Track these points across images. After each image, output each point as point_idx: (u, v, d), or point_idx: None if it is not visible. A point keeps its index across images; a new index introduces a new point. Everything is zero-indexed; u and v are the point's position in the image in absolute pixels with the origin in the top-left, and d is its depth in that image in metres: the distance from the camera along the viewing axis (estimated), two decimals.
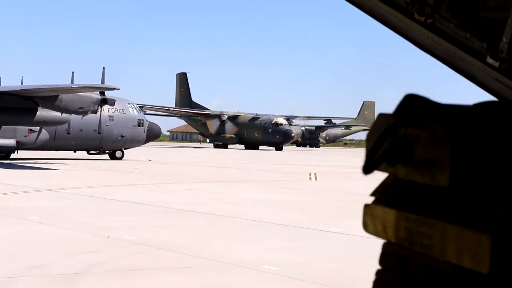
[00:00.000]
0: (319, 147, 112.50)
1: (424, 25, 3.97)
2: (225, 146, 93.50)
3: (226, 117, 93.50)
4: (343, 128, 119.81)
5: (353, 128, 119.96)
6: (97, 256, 9.41)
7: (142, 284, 7.83)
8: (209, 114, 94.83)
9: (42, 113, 35.00)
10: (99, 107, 35.65)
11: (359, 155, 63.17)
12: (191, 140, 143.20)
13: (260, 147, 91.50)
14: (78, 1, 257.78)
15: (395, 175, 2.35)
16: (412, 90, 2.30)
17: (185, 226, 12.91)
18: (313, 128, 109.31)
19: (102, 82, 35.56)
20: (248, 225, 13.42)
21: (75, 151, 42.47)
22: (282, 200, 19.01)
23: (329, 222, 14.03)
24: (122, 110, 42.45)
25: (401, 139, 2.26)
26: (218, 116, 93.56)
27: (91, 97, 34.89)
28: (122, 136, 42.09)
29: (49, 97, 33.81)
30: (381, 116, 2.37)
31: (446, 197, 2.19)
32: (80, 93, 34.27)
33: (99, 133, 38.63)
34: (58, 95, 33.78)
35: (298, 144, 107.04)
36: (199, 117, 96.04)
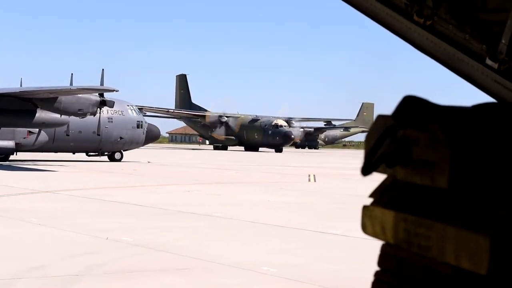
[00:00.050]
0: (318, 148, 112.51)
1: (423, 27, 3.97)
2: (224, 148, 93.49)
3: (226, 119, 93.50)
4: (342, 130, 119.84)
5: (352, 130, 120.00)
6: (96, 258, 9.41)
7: (141, 285, 7.83)
8: (209, 116, 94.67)
9: (41, 115, 35.00)
10: (98, 109, 35.66)
11: (358, 157, 63.23)
12: (190, 142, 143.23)
13: (260, 149, 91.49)
14: (78, 2, 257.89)
15: (394, 177, 2.35)
16: (411, 91, 2.30)
17: (184, 228, 12.91)
18: (312, 129, 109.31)
19: (101, 84, 35.58)
20: (246, 227, 13.42)
21: (74, 153, 42.47)
22: (281, 201, 19.01)
23: (328, 224, 14.03)
24: (121, 112, 42.47)
25: (400, 140, 2.26)
26: (218, 119, 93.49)
27: (90, 99, 34.91)
28: (121, 138, 42.10)
29: (48, 99, 33.82)
30: (380, 117, 2.37)
31: (445, 199, 2.19)
32: (79, 95, 34.28)
33: (98, 134, 38.63)
34: (57, 97, 33.79)
35: (297, 146, 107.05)
36: (199, 119, 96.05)
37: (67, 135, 38.02)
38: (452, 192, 2.17)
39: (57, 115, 35.32)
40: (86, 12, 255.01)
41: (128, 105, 43.66)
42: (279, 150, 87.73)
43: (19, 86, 39.87)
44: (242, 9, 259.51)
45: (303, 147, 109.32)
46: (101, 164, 38.23)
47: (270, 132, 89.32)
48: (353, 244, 11.17)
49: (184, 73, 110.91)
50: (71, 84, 35.75)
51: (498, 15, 3.77)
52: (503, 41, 3.71)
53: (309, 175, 32.72)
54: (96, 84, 35.25)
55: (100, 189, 21.32)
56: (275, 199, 19.67)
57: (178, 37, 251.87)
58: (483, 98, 4.15)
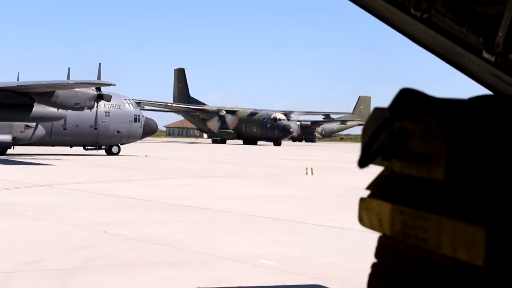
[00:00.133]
0: (314, 142, 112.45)
1: (420, 20, 3.97)
2: (223, 141, 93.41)
3: (225, 112, 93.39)
4: (339, 123, 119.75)
5: (349, 123, 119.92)
6: (93, 251, 9.41)
7: (138, 279, 7.83)
8: (207, 110, 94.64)
9: (38, 109, 34.95)
10: (95, 102, 35.63)
11: (355, 150, 63.15)
12: (188, 136, 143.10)
13: (259, 142, 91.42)
14: None
15: (390, 169, 2.35)
16: (408, 84, 2.30)
17: (182, 221, 12.92)
18: (309, 123, 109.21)
19: (98, 78, 35.55)
20: (244, 220, 13.43)
21: (71, 147, 42.46)
22: (279, 194, 19.02)
23: (325, 217, 14.04)
24: (119, 105, 42.43)
25: (396, 133, 2.27)
26: (217, 113, 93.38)
27: (87, 92, 34.87)
28: (118, 132, 42.07)
29: (45, 93, 33.77)
30: (377, 110, 2.38)
31: (441, 191, 2.20)
32: (76, 89, 34.24)
33: (95, 128, 38.61)
34: (54, 91, 33.74)
35: (293, 139, 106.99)
36: (197, 113, 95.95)
37: (64, 129, 38.00)
38: (449, 184, 2.18)
39: (54, 109, 35.28)
40: (83, 6, 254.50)
41: (125, 99, 43.63)
42: (277, 143, 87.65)
43: (16, 80, 39.79)
44: (240, 3, 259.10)
45: (300, 140, 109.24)
46: (99, 158, 38.21)
47: (268, 125, 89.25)
48: (351, 236, 11.18)
49: (182, 67, 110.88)
50: (68, 78, 35.70)
51: (495, 8, 3.78)
52: (500, 34, 3.71)
53: (306, 168, 32.72)
54: (93, 78, 35.22)
55: (98, 183, 21.31)
56: (272, 192, 19.67)
57: (176, 31, 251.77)
58: (480, 90, 4.16)
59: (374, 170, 2.36)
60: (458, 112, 2.21)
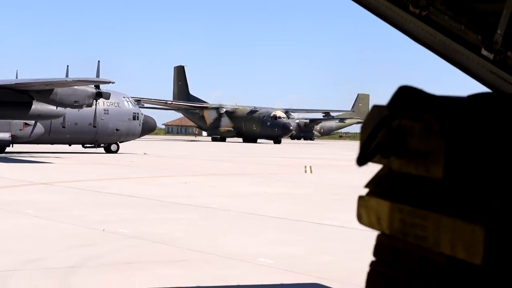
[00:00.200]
0: (313, 139, 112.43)
1: (419, 17, 3.96)
2: (223, 139, 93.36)
3: (224, 110, 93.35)
4: (337, 121, 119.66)
5: (347, 121, 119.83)
6: (93, 250, 9.41)
7: (138, 277, 7.83)
8: (207, 108, 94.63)
9: (37, 106, 34.93)
10: (94, 100, 35.61)
11: (354, 148, 63.21)
12: (187, 134, 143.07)
13: (259, 140, 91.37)
14: None
15: (389, 167, 2.35)
16: (407, 82, 2.30)
17: (181, 219, 12.91)
18: (308, 121, 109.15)
19: (97, 75, 35.52)
20: (244, 218, 13.43)
21: (70, 145, 42.46)
22: (278, 193, 19.02)
23: (324, 215, 14.04)
24: (117, 103, 42.42)
25: (395, 130, 2.26)
26: (217, 110, 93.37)
27: (86, 90, 34.85)
28: (117, 130, 42.07)
29: (44, 91, 33.75)
30: (375, 108, 2.37)
31: (440, 189, 2.19)
32: (75, 87, 34.21)
33: (94, 126, 38.57)
34: (53, 89, 33.72)
35: (292, 137, 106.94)
36: (197, 110, 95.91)
37: (63, 127, 37.96)
38: (447, 182, 2.17)
39: (53, 107, 35.26)
40: (82, 3, 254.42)
41: (124, 97, 43.61)
42: (277, 141, 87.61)
43: (15, 78, 39.76)
44: (240, 1, 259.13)
45: (299, 138, 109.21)
46: (97, 156, 38.20)
47: (268, 123, 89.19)
48: (350, 235, 11.18)
49: (182, 64, 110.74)
50: (67, 76, 35.67)
51: (494, 5, 3.77)
52: (498, 31, 3.71)
53: (305, 167, 32.72)
54: (92, 76, 35.19)
55: (97, 181, 21.31)
56: (272, 190, 19.67)
57: (176, 29, 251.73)
58: (479, 88, 4.15)
59: (373, 168, 2.35)
60: (457, 110, 2.20)
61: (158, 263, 8.63)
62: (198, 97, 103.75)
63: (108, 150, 42.54)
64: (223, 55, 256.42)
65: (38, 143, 40.79)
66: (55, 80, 33.79)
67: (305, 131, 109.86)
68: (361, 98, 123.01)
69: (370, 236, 2.76)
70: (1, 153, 37.05)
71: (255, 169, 30.58)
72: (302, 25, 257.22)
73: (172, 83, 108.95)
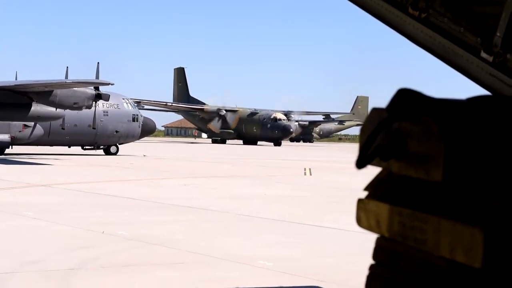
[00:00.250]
0: (312, 142, 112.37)
1: (418, 20, 3.96)
2: (223, 141, 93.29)
3: (225, 112, 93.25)
4: (336, 123, 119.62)
5: (346, 123, 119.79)
6: (92, 252, 9.40)
7: (136, 279, 7.82)
8: (207, 110, 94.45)
9: (37, 108, 34.92)
10: (94, 102, 35.59)
11: (353, 151, 63.17)
12: (186, 135, 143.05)
13: (259, 143, 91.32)
14: None
15: (388, 170, 2.34)
16: (406, 84, 2.29)
17: (180, 222, 12.90)
18: (307, 123, 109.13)
19: (97, 77, 35.52)
20: (242, 220, 13.42)
21: (69, 147, 42.43)
22: (277, 195, 19.01)
23: (324, 217, 14.03)
24: (117, 105, 42.40)
25: (394, 133, 2.25)
26: (217, 113, 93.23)
27: (86, 92, 34.84)
28: (116, 131, 42.05)
29: (44, 93, 33.73)
30: (375, 110, 2.37)
31: (440, 192, 2.19)
32: (74, 88, 34.20)
33: (94, 128, 38.56)
34: (53, 91, 33.71)
35: (291, 139, 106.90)
36: (197, 112, 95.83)
37: (63, 128, 37.95)
38: (447, 185, 2.16)
39: (53, 109, 35.25)
40: (82, 4, 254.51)
41: (123, 99, 43.60)
42: (278, 143, 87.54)
43: (14, 79, 39.76)
44: (240, 2, 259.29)
45: (298, 141, 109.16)
46: (97, 158, 38.18)
47: (269, 125, 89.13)
48: (350, 238, 11.17)
49: (182, 66, 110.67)
50: (66, 77, 35.67)
51: (493, 7, 3.77)
52: (498, 34, 3.70)
53: (305, 169, 32.71)
54: (91, 77, 35.18)
55: (96, 183, 21.29)
56: (271, 192, 19.66)
57: (176, 30, 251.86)
58: (478, 90, 4.15)
59: (372, 171, 2.34)
60: (456, 112, 2.19)
61: (157, 265, 8.62)
62: (198, 99, 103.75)
63: (107, 152, 42.51)
64: (224, 57, 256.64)
65: (37, 145, 40.76)
66: (55, 81, 33.79)
67: (305, 133, 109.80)
68: (360, 100, 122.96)
69: (369, 239, 2.76)
70: (0, 155, 37.03)
71: (255, 171, 30.56)
72: (301, 27, 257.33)
73: (172, 85, 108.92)
